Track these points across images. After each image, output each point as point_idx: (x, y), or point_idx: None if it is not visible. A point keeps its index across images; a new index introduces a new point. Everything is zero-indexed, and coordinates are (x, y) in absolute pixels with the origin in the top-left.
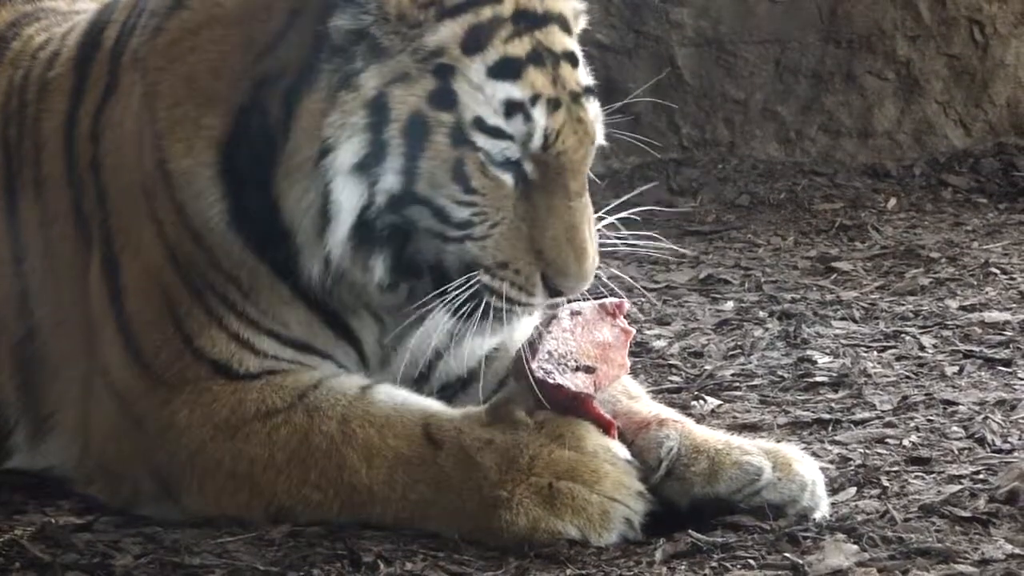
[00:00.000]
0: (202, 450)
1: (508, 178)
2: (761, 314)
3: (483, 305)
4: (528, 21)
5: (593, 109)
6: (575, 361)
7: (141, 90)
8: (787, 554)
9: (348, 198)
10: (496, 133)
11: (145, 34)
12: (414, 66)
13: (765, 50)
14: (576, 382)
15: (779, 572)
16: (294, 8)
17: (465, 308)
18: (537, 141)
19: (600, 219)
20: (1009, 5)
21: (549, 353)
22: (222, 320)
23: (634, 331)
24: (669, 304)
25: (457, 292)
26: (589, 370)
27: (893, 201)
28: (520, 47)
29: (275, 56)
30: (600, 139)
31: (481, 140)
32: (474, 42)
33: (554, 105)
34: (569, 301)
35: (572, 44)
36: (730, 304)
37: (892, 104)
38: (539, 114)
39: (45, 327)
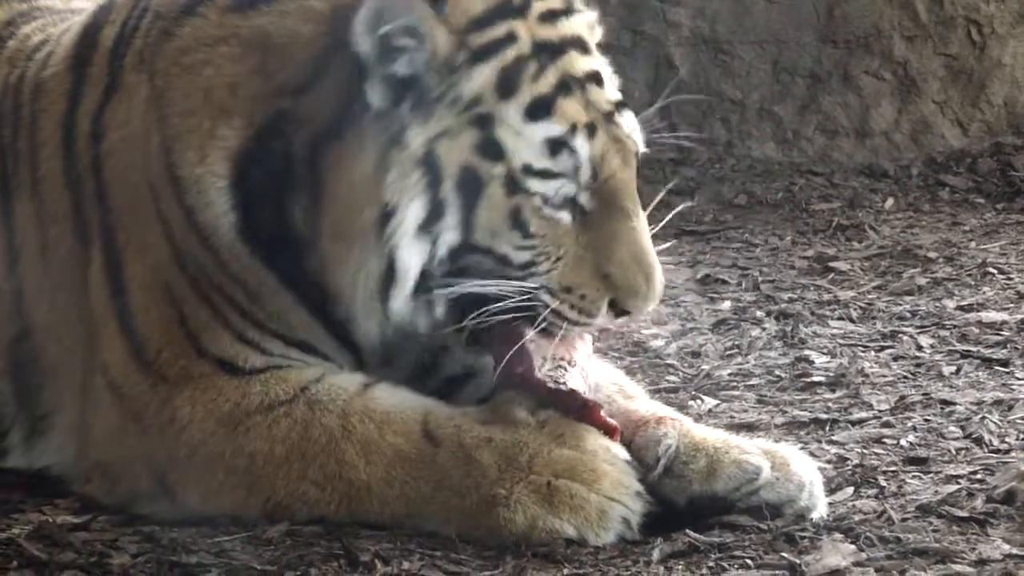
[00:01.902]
0: (202, 445)
1: (565, 215)
2: (758, 314)
3: (538, 321)
4: (548, 52)
5: (628, 122)
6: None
7: (147, 93)
8: (784, 554)
9: (414, 257)
10: (547, 175)
11: (151, 36)
12: (454, 119)
13: (762, 50)
14: (575, 382)
15: (776, 572)
16: (319, 64)
17: (523, 320)
18: (586, 172)
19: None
20: (1007, 5)
21: (543, 358)
22: (227, 320)
23: None
24: (666, 304)
25: (515, 312)
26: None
27: (890, 201)
28: (547, 82)
29: (301, 98)
30: (641, 148)
31: (535, 185)
32: (507, 86)
33: (591, 131)
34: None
35: (594, 63)
36: (727, 304)
37: (889, 104)
38: (580, 144)
39: (41, 326)
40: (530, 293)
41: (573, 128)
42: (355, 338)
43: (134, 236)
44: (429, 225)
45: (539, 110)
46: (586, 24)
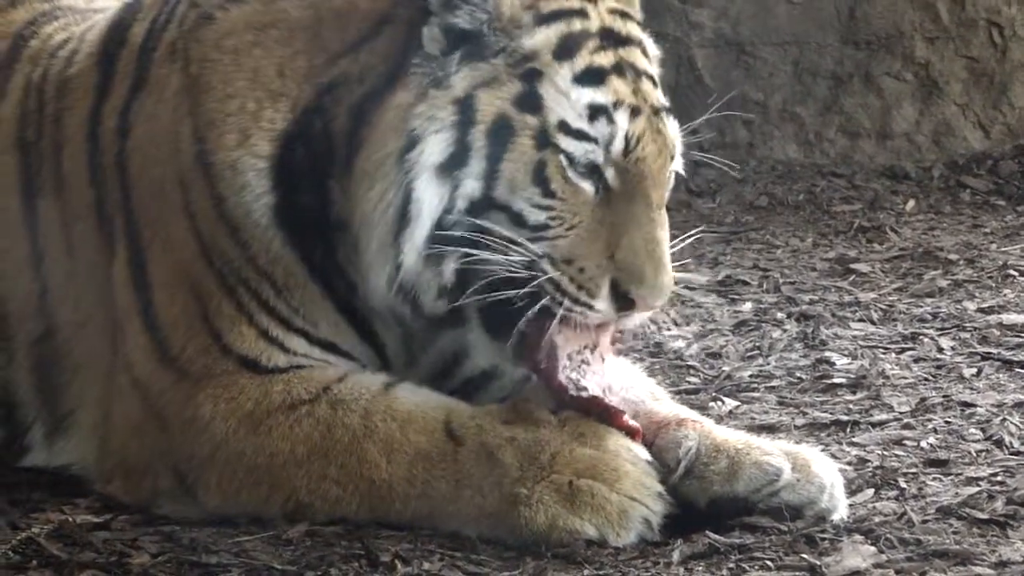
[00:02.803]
0: (224, 444)
1: (588, 184)
2: (779, 315)
3: (537, 295)
4: (613, 39)
5: (673, 127)
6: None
7: (180, 83)
8: (804, 555)
9: (430, 199)
10: (580, 135)
11: (187, 24)
12: (505, 70)
13: (784, 51)
14: (600, 382)
15: (796, 573)
16: (381, 18)
17: (522, 304)
18: (618, 144)
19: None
20: None
21: (569, 357)
22: (253, 317)
23: None
24: (687, 305)
25: (517, 285)
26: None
27: (911, 203)
28: (605, 59)
29: (353, 60)
30: (679, 158)
31: (565, 142)
32: (564, 50)
33: (635, 112)
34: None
35: (652, 68)
36: (748, 305)
37: (911, 106)
38: (621, 118)
39: (64, 325)
40: (532, 260)
41: (618, 103)
42: (379, 335)
43: (159, 232)
44: (451, 168)
45: (590, 78)
46: (651, 46)
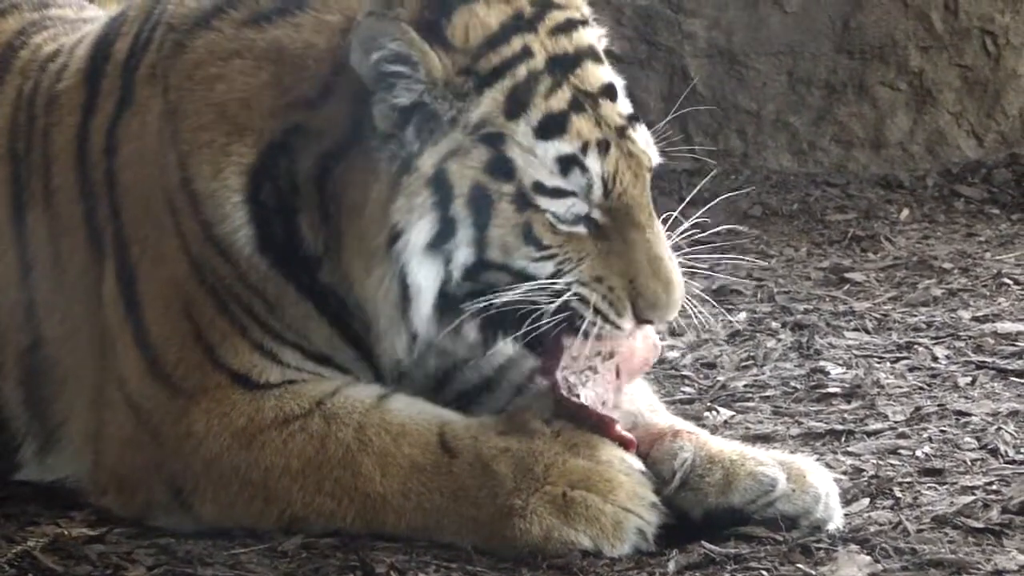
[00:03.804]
0: (217, 460)
1: (580, 228)
2: (774, 325)
3: (574, 319)
4: (563, 66)
5: (641, 136)
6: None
7: (161, 107)
8: (800, 565)
9: (426, 277)
10: (557, 193)
11: (164, 50)
12: (466, 138)
13: (778, 61)
14: (598, 390)
15: None
16: (335, 68)
17: (558, 321)
18: (597, 191)
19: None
20: (1021, 16)
21: (573, 358)
22: (246, 331)
23: None
24: (681, 315)
25: (553, 315)
26: (610, 355)
27: (906, 212)
28: (561, 98)
29: (314, 112)
30: (655, 160)
31: (545, 203)
32: (517, 106)
33: (604, 148)
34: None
35: (607, 74)
36: (743, 315)
37: (905, 115)
38: (593, 162)
39: (54, 338)
40: (564, 288)
41: (585, 146)
42: (374, 350)
43: (149, 249)
44: (440, 243)
45: (551, 128)
46: (596, 36)
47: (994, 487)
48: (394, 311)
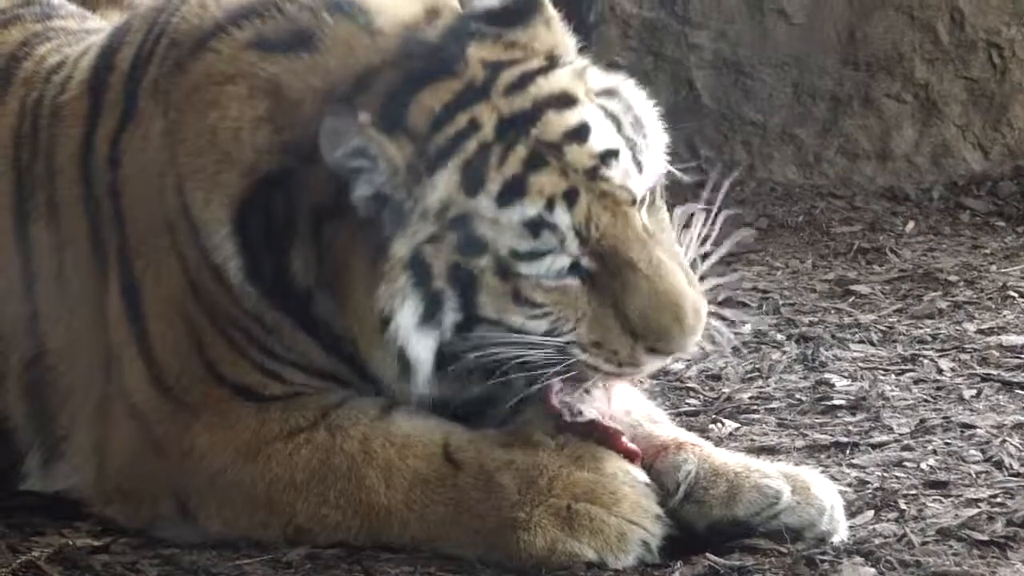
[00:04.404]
0: (222, 473)
1: (569, 281)
2: (779, 337)
3: (576, 373)
4: (517, 126)
5: (617, 171)
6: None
7: (162, 126)
8: None
9: (423, 349)
10: (534, 255)
11: (166, 67)
12: (432, 226)
13: (783, 73)
14: (600, 407)
15: None
16: (311, 153)
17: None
18: (572, 243)
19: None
20: None
21: (567, 383)
22: (246, 352)
23: None
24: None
25: (555, 371)
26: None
27: (911, 224)
28: (515, 161)
29: (305, 162)
30: (639, 191)
31: (524, 267)
32: (473, 182)
33: (571, 198)
34: None
35: (574, 116)
36: (748, 327)
37: (910, 127)
38: (561, 217)
39: (57, 350)
40: (561, 347)
41: (550, 202)
42: (376, 375)
43: (152, 263)
44: (430, 316)
45: (510, 194)
46: (572, 73)
47: (999, 500)
48: (395, 375)
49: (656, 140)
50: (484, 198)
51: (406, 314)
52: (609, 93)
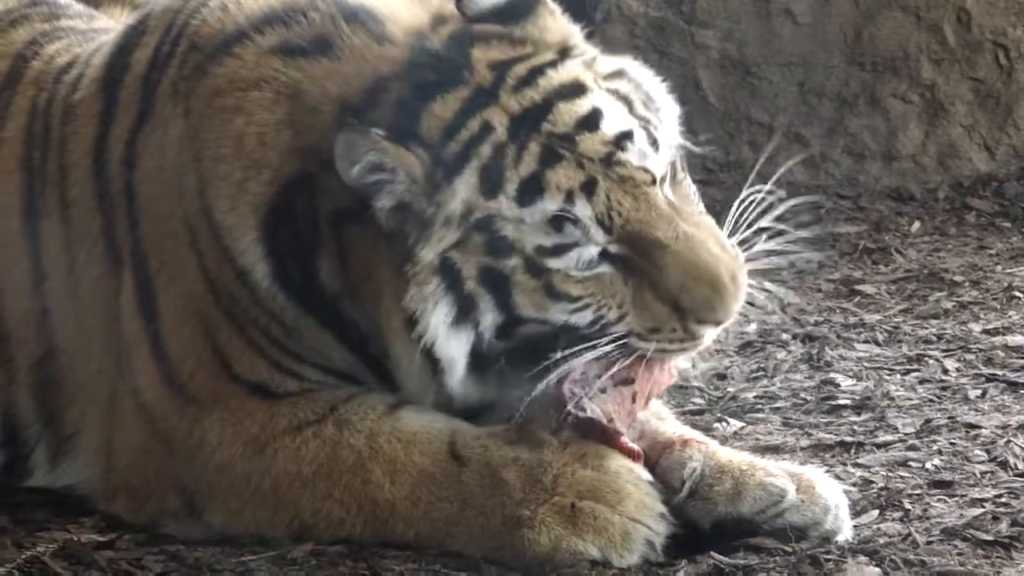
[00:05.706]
0: (229, 467)
1: (602, 269)
2: (784, 336)
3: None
4: (528, 123)
5: (633, 153)
6: (611, 377)
7: (183, 129)
8: None
9: (456, 348)
10: (561, 250)
11: (187, 69)
12: (458, 229)
13: (790, 72)
14: (607, 408)
15: None
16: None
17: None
18: (597, 232)
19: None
20: None
21: (583, 373)
22: (264, 351)
23: None
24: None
25: (608, 353)
26: (628, 381)
27: (917, 224)
28: (529, 160)
29: (324, 166)
30: (658, 169)
31: (554, 262)
32: (490, 185)
33: (590, 189)
34: None
35: (587, 103)
36: (753, 326)
37: (916, 127)
38: (582, 209)
39: (67, 347)
40: (623, 339)
41: (569, 196)
42: (396, 377)
43: (168, 264)
44: (463, 317)
45: (529, 192)
46: (582, 63)
47: (1003, 500)
48: (425, 380)
49: (669, 114)
50: (504, 199)
51: (438, 315)
52: (617, 75)
